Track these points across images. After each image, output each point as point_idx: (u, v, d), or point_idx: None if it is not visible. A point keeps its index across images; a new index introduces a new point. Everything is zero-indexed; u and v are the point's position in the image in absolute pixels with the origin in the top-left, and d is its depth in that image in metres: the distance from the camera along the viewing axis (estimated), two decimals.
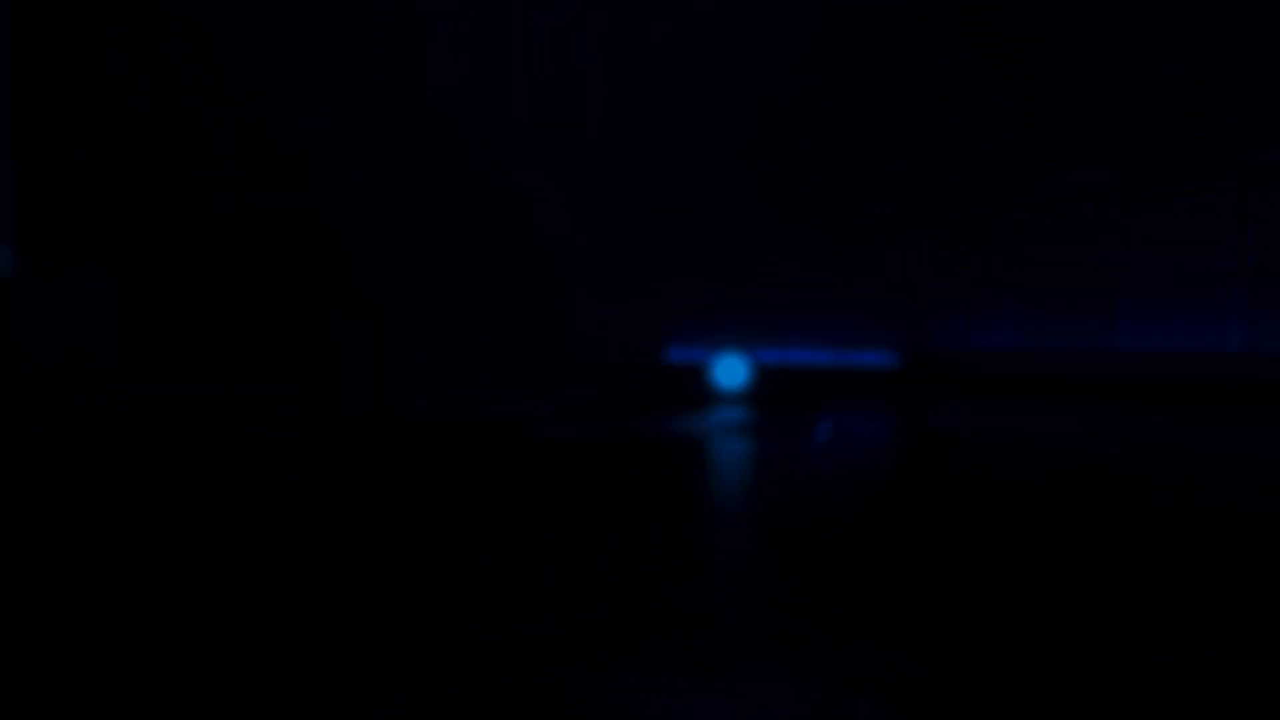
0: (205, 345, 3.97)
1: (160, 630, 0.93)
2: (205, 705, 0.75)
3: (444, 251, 5.26)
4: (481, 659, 0.84)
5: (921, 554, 1.26)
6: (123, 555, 1.23)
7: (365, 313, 4.71)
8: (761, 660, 0.90)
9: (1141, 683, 0.78)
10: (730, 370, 5.28)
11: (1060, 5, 4.33)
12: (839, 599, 1.09)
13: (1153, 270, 4.08)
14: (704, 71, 5.97)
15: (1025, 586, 1.06)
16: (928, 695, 0.78)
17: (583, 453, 2.61)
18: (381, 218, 4.83)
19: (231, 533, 1.36)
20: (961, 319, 4.83)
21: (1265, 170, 3.76)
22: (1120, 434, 2.52)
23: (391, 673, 0.81)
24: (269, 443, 2.30)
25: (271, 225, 4.23)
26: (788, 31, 5.49)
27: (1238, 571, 1.11)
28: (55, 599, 1.04)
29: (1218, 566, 1.13)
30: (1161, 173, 4.09)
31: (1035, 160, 4.51)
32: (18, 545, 1.30)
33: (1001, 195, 4.68)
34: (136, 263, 3.86)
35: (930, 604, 1.02)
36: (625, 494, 1.84)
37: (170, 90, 3.89)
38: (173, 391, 3.43)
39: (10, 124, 3.46)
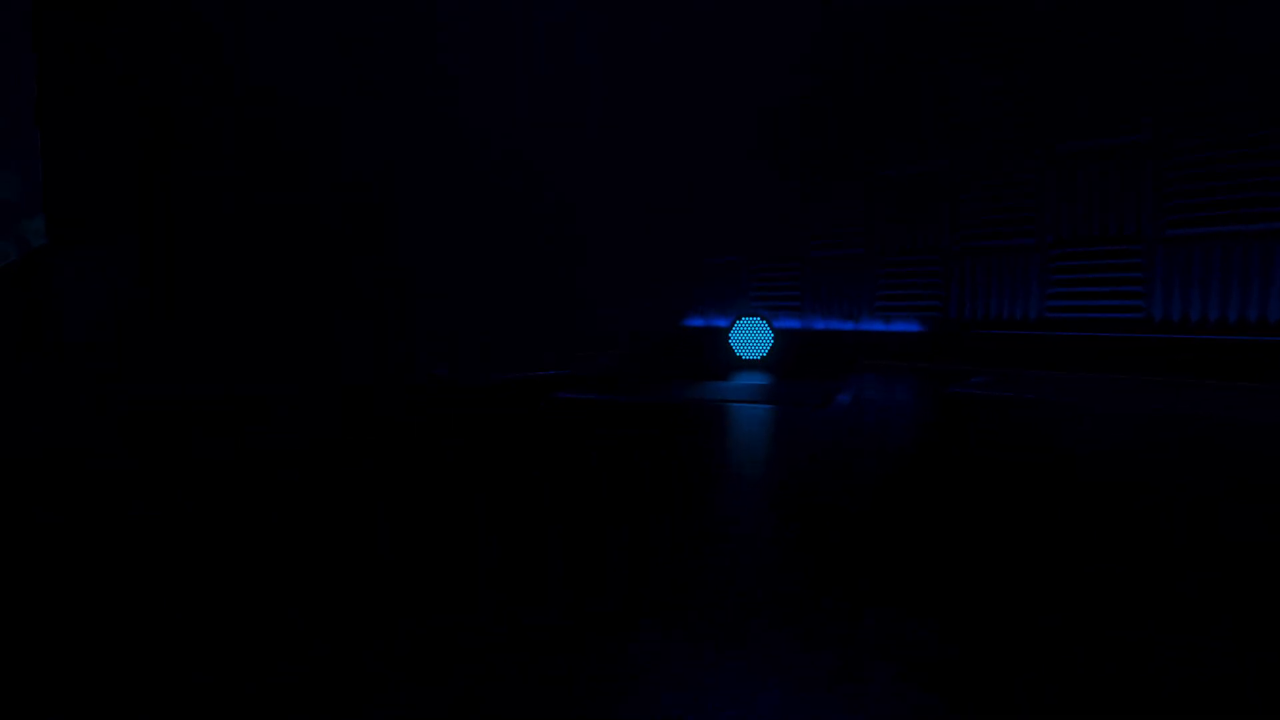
0: (206, 344, 3.97)
1: (160, 630, 0.93)
2: (205, 705, 0.75)
3: (468, 235, 5.26)
4: (487, 650, 0.84)
5: (937, 530, 1.26)
6: (123, 555, 1.23)
7: (383, 296, 4.71)
8: (776, 629, 0.90)
9: (1150, 675, 0.77)
10: (750, 336, 5.20)
11: (1060, 5, 4.33)
12: (855, 571, 1.10)
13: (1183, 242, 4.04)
14: (706, 71, 5.97)
15: (1035, 573, 1.06)
16: (940, 670, 0.78)
17: (600, 418, 2.59)
18: (389, 212, 4.84)
19: (231, 533, 1.35)
20: (982, 286, 4.76)
21: None
22: (1142, 405, 2.50)
23: (391, 672, 0.81)
24: (269, 443, 2.30)
25: (272, 225, 4.23)
26: (788, 31, 5.49)
27: (1248, 562, 1.10)
28: (55, 599, 1.04)
29: (1229, 557, 1.13)
30: None
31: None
32: (18, 545, 1.29)
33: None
34: (137, 263, 3.86)
35: (945, 582, 1.02)
36: (641, 461, 1.84)
37: (170, 90, 3.89)
38: (173, 391, 3.42)
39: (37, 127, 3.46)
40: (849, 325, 5.38)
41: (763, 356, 5.16)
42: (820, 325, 5.53)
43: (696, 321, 6.28)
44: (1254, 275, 3.79)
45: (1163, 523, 1.38)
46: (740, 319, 5.25)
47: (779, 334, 5.24)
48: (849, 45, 5.21)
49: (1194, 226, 3.97)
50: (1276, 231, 3.73)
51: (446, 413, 2.87)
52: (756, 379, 4.05)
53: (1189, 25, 3.90)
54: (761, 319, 5.21)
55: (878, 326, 5.24)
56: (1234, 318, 3.84)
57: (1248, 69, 3.73)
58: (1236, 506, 1.49)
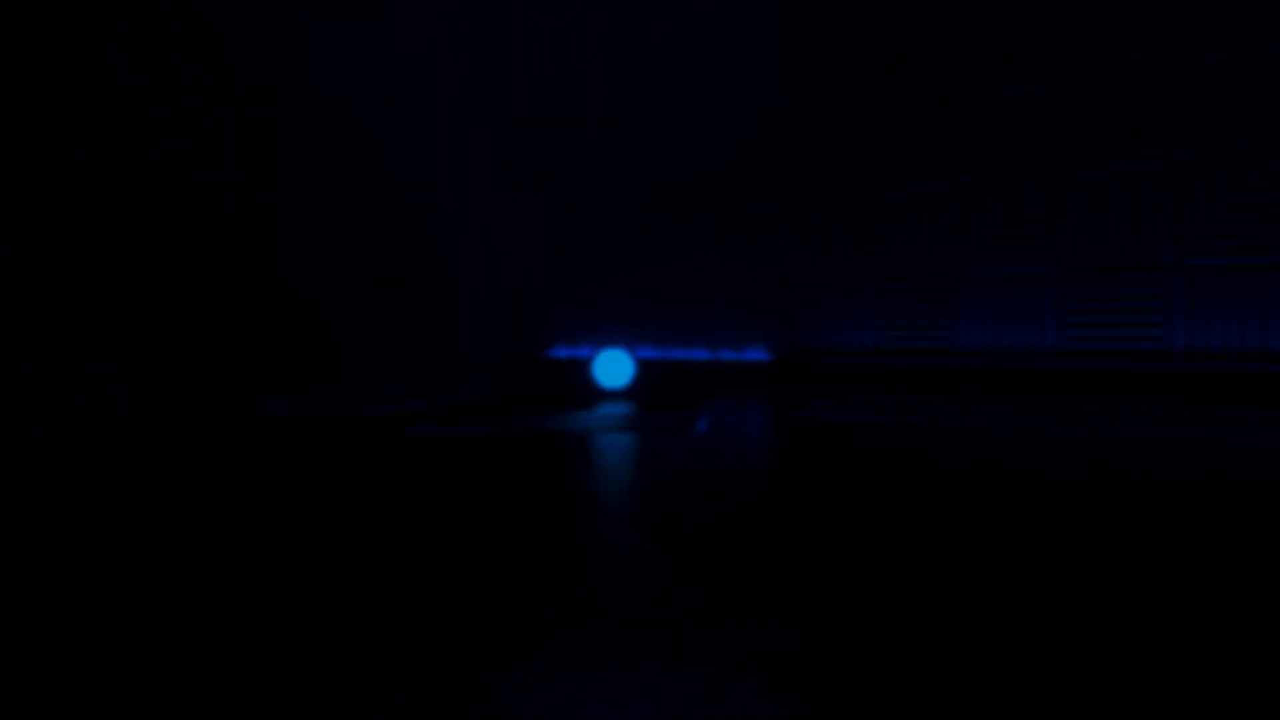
0: (206, 346, 3.97)
1: (160, 630, 0.93)
2: (205, 705, 0.75)
3: (324, 251, 4.93)
4: (487, 650, 0.84)
5: (801, 549, 1.27)
6: (123, 555, 1.23)
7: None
8: (647, 650, 0.90)
9: (1105, 690, 0.78)
10: (612, 367, 5.28)
11: (1060, 5, 4.33)
12: (724, 589, 1.10)
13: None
14: (703, 72, 5.98)
15: (878, 579, 1.06)
16: (811, 676, 0.79)
17: (460, 452, 2.50)
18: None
19: (231, 533, 1.36)
20: (829, 317, 5.09)
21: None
22: (960, 421, 2.70)
23: (392, 672, 0.81)
24: (269, 443, 2.30)
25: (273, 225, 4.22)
26: (787, 31, 5.49)
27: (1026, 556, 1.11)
28: (55, 599, 1.04)
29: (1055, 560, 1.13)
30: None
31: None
32: (18, 545, 1.30)
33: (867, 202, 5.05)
34: (137, 264, 3.87)
35: (811, 589, 1.03)
36: (503, 493, 1.79)
37: (170, 90, 3.89)
38: (173, 392, 3.42)
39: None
40: (705, 355, 5.56)
41: (624, 386, 5.25)
42: (679, 355, 5.68)
43: (560, 352, 6.31)
44: (1034, 308, 4.35)
45: (978, 527, 1.39)
46: (602, 350, 5.32)
47: (640, 364, 5.33)
48: (849, 45, 5.21)
49: (996, 268, 4.47)
50: (1042, 275, 4.28)
51: (285, 452, 2.44)
52: (618, 408, 4.07)
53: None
54: (623, 349, 5.28)
55: (731, 356, 5.43)
56: (1020, 345, 4.44)
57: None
58: (1041, 513, 1.50)
